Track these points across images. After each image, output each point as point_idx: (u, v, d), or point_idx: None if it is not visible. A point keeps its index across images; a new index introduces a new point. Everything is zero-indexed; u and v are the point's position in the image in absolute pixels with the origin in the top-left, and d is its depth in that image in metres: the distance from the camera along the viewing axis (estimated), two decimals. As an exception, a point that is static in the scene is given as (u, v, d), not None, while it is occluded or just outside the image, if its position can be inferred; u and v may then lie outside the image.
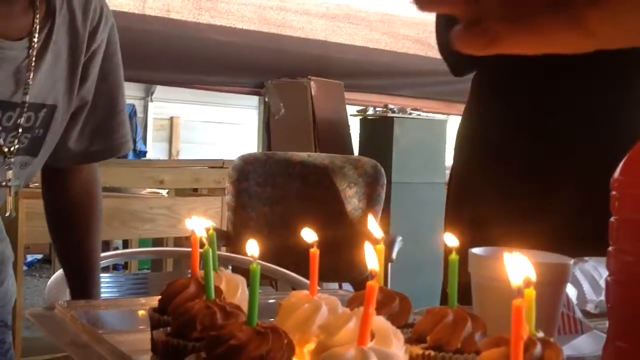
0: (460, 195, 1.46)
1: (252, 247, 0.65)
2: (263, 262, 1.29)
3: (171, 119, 8.67)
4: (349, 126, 4.24)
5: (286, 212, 2.79)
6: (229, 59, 4.02)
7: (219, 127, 8.81)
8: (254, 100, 7.13)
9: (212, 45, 3.88)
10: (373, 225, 0.70)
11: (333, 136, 3.95)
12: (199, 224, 0.80)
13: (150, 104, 8.50)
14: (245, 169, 2.73)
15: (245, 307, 0.60)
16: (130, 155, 7.78)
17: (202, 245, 0.76)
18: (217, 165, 3.70)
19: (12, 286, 1.29)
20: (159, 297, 0.77)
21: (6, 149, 1.06)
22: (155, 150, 8.45)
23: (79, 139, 1.17)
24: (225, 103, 8.27)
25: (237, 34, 3.74)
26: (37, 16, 1.06)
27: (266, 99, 4.08)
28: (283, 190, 2.81)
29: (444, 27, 1.36)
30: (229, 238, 2.67)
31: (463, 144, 1.48)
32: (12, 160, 1.07)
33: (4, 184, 1.07)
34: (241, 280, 0.80)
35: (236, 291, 0.78)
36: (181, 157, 8.45)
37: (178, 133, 8.69)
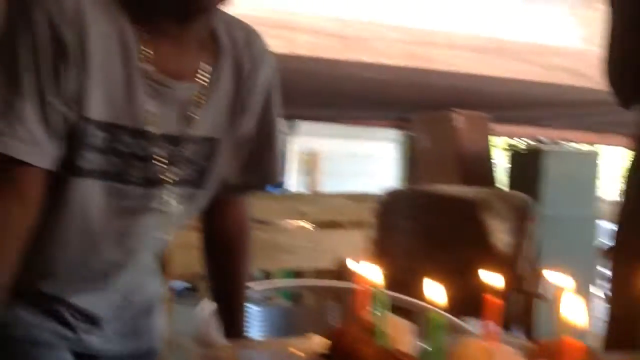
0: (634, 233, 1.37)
1: (434, 291, 0.63)
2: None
3: (313, 152, 8.82)
4: (494, 159, 4.15)
5: (432, 246, 2.75)
6: (373, 94, 4.04)
7: (358, 160, 8.86)
8: (393, 133, 7.13)
9: (358, 81, 3.91)
10: (555, 277, 0.67)
11: (478, 169, 3.87)
12: (365, 266, 0.79)
13: (293, 138, 8.69)
14: (391, 202, 2.73)
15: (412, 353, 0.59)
16: (271, 188, 7.97)
17: (366, 285, 0.75)
18: (360, 198, 3.70)
19: (161, 319, 1.32)
20: (323, 337, 0.77)
21: (172, 180, 1.11)
22: (297, 183, 8.62)
23: (238, 171, 1.21)
24: (365, 136, 8.32)
25: (383, 70, 3.75)
26: (206, 58, 1.11)
27: (410, 132, 4.06)
28: (429, 224, 2.78)
29: (620, 59, 1.30)
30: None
31: (635, 179, 1.39)
32: (178, 191, 1.12)
33: (168, 212, 1.12)
34: (408, 325, 0.78)
35: (403, 337, 0.76)
36: (322, 189, 8.55)
37: (319, 165, 8.82)
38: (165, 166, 1.09)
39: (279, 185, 8.07)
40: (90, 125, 1.01)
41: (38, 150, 0.99)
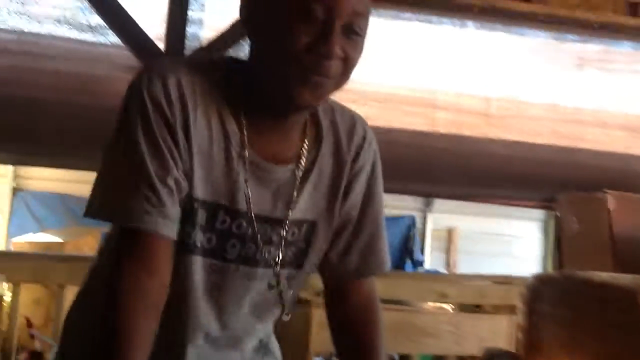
0: None
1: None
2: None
3: (449, 230, 8.68)
4: (652, 244, 3.88)
5: (583, 336, 2.58)
6: (517, 172, 3.93)
7: (497, 240, 8.62)
8: (536, 213, 6.91)
9: (501, 159, 3.83)
10: None
11: (634, 255, 3.63)
12: None
13: (429, 215, 8.61)
14: (540, 288, 2.59)
15: None
16: (409, 266, 7.86)
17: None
18: (503, 281, 3.57)
19: None
20: None
21: (273, 262, 1.14)
22: (432, 260, 8.47)
23: (347, 258, 1.22)
24: (505, 215, 8.10)
25: (527, 148, 3.66)
26: (306, 143, 1.14)
27: (558, 214, 3.89)
28: (581, 313, 2.61)
29: None
30: (519, 361, 2.53)
31: None
32: (280, 271, 1.15)
33: (275, 291, 1.15)
34: None
35: None
36: (459, 268, 8.35)
37: (456, 244, 8.64)
38: (263, 247, 1.13)
39: (418, 264, 7.97)
40: (195, 203, 1.07)
41: (169, 222, 1.04)
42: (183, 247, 1.09)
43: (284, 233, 1.14)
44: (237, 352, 1.21)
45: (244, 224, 1.11)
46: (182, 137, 1.05)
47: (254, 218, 1.11)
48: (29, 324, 4.72)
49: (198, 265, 1.10)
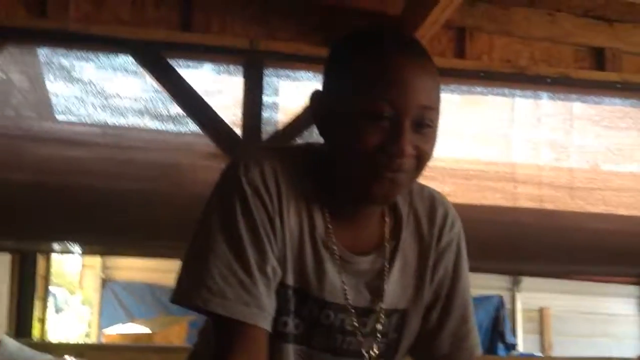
0: None
1: None
2: None
3: (541, 310, 8.36)
4: None
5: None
6: (605, 246, 3.78)
7: (593, 319, 8.24)
8: (634, 290, 6.59)
9: (588, 233, 3.69)
10: None
11: None
12: None
13: (517, 294, 8.34)
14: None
15: None
16: (501, 350, 7.57)
17: None
18: (605, 363, 3.39)
19: None
20: None
21: (367, 355, 1.12)
22: (525, 343, 8.14)
23: (437, 342, 1.19)
24: (598, 292, 7.77)
25: (614, 220, 3.52)
26: (387, 231, 1.14)
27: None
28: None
29: None
30: None
31: None
32: None
33: None
34: None
35: None
36: (555, 351, 8.00)
37: (550, 325, 8.30)
38: (353, 337, 1.11)
39: (510, 347, 7.68)
40: (287, 290, 1.07)
41: (267, 317, 1.04)
42: (277, 334, 1.08)
43: (373, 323, 1.13)
44: None
45: (331, 314, 1.10)
46: (278, 224, 1.05)
47: (340, 308, 1.10)
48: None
49: (290, 351, 1.10)
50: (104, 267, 7.48)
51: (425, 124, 1.02)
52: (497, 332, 7.68)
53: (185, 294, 1.04)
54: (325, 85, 1.10)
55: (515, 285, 8.27)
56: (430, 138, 1.04)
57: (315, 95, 1.11)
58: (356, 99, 1.01)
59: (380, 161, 1.00)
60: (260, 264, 1.03)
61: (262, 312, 1.03)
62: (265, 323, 1.03)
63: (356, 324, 1.11)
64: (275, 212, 1.04)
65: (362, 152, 1.00)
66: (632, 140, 3.46)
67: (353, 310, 1.10)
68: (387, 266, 1.12)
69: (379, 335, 1.13)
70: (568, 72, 3.26)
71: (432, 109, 1.02)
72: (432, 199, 1.19)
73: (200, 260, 1.03)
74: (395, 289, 1.13)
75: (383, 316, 1.13)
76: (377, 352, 1.13)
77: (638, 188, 3.56)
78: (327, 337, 1.11)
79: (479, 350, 1.22)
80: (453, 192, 3.22)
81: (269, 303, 1.04)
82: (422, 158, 1.03)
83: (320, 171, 1.09)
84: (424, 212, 1.17)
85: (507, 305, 8.19)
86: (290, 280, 1.07)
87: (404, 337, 1.16)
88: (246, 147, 2.93)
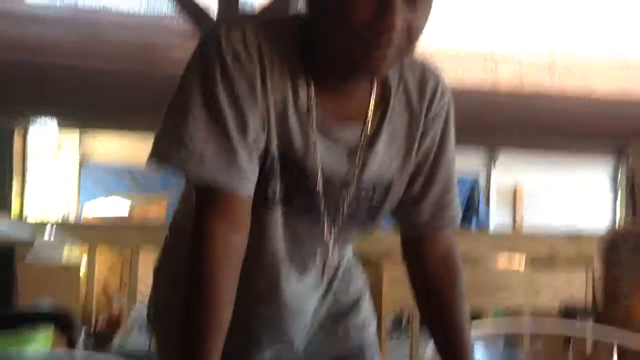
0: None
1: None
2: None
3: (515, 185, 8.53)
4: None
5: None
6: (584, 124, 3.83)
7: (564, 194, 8.44)
8: (605, 163, 6.71)
9: (566, 111, 3.73)
10: None
11: None
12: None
13: (493, 171, 8.48)
14: (616, 240, 2.54)
15: None
16: (473, 223, 7.78)
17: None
18: (574, 235, 3.50)
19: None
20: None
21: (341, 217, 1.13)
22: (498, 218, 8.36)
23: (419, 208, 1.18)
24: (572, 168, 7.91)
25: (594, 99, 3.55)
26: (373, 99, 1.09)
27: (629, 162, 3.78)
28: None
29: None
30: (597, 313, 2.50)
31: None
32: (347, 224, 1.14)
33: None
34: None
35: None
36: (526, 225, 8.22)
37: (522, 200, 8.50)
38: (333, 200, 1.11)
39: (484, 222, 7.88)
40: (272, 157, 1.05)
41: (248, 183, 1.02)
42: (264, 201, 1.07)
43: (355, 191, 1.12)
44: (320, 285, 1.21)
45: (312, 179, 1.09)
46: (259, 90, 1.02)
47: (323, 176, 1.09)
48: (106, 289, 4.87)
49: (278, 215, 1.10)
50: (82, 149, 7.43)
51: None
52: (472, 208, 7.87)
53: (162, 153, 1.02)
54: None
55: (491, 162, 8.40)
56: (423, 14, 0.99)
57: None
58: None
59: (368, 38, 0.97)
60: (240, 129, 1.01)
61: (242, 178, 1.01)
62: (245, 190, 1.02)
63: (339, 192, 1.11)
64: (257, 77, 1.01)
65: (350, 26, 0.96)
66: (613, 24, 3.43)
67: (335, 178, 1.10)
68: (373, 136, 1.11)
69: (363, 203, 1.13)
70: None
71: None
72: (423, 70, 1.14)
73: (180, 123, 1.00)
74: (381, 158, 1.12)
75: (365, 184, 1.12)
76: (354, 215, 1.14)
77: (617, 69, 3.58)
78: (307, 202, 1.11)
79: (458, 220, 1.23)
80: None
81: (250, 168, 1.02)
82: (413, 33, 0.99)
83: (306, 42, 1.06)
84: (414, 84, 1.13)
85: (483, 183, 8.34)
86: (274, 147, 1.05)
87: (387, 202, 1.16)
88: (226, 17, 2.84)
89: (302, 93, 1.05)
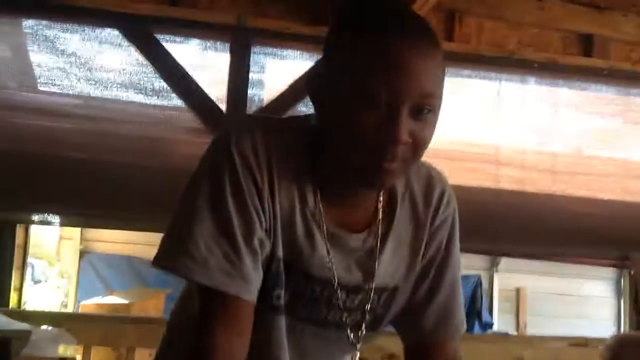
0: None
1: None
2: None
3: (517, 290, 8.44)
4: None
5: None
6: (585, 230, 3.81)
7: (568, 300, 8.34)
8: (610, 272, 6.67)
9: (568, 216, 3.72)
10: None
11: None
12: None
13: (495, 274, 8.41)
14: (620, 350, 2.49)
15: None
16: (476, 327, 7.65)
17: None
18: (580, 343, 3.45)
19: None
20: None
21: (347, 324, 1.13)
22: (501, 322, 8.22)
23: (424, 317, 1.18)
24: (575, 274, 7.85)
25: (596, 204, 3.55)
26: (380, 210, 1.11)
27: (632, 272, 3.75)
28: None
29: None
30: None
31: None
32: (353, 333, 1.14)
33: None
34: None
35: None
36: (529, 330, 8.09)
37: (525, 305, 8.39)
38: (338, 311, 1.11)
39: (487, 326, 7.75)
40: (279, 263, 1.06)
41: (252, 288, 1.03)
42: (268, 306, 1.08)
43: (362, 300, 1.12)
44: None
45: (317, 288, 1.09)
46: (267, 197, 1.03)
47: (329, 284, 1.09)
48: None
49: (283, 323, 1.10)
50: (83, 239, 7.43)
51: (424, 110, 0.97)
52: (475, 311, 7.76)
53: (168, 259, 1.03)
54: (323, 65, 1.05)
55: (493, 266, 8.34)
56: (429, 124, 0.99)
57: (313, 77, 1.06)
58: (353, 82, 0.96)
59: (374, 149, 0.97)
60: (246, 236, 1.01)
61: (246, 283, 1.01)
62: (249, 295, 1.02)
63: (343, 300, 1.11)
64: (265, 184, 1.03)
65: (356, 137, 0.97)
66: (615, 126, 3.48)
67: (341, 287, 1.10)
68: (380, 245, 1.11)
69: (366, 311, 1.13)
70: (556, 58, 3.27)
71: (432, 95, 0.97)
72: (430, 178, 1.16)
73: (185, 228, 1.01)
74: (387, 268, 1.12)
75: (373, 294, 1.12)
76: (364, 327, 1.13)
77: (619, 173, 3.59)
78: (311, 309, 1.10)
79: (463, 328, 1.22)
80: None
81: (255, 275, 1.03)
82: (419, 145, 0.99)
83: (315, 148, 1.07)
84: (420, 192, 1.15)
85: (485, 286, 8.26)
86: (280, 252, 1.06)
87: (391, 311, 1.16)
88: (239, 116, 2.90)
89: (310, 200, 1.07)
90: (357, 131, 0.97)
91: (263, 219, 1.03)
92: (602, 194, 3.53)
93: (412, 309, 1.18)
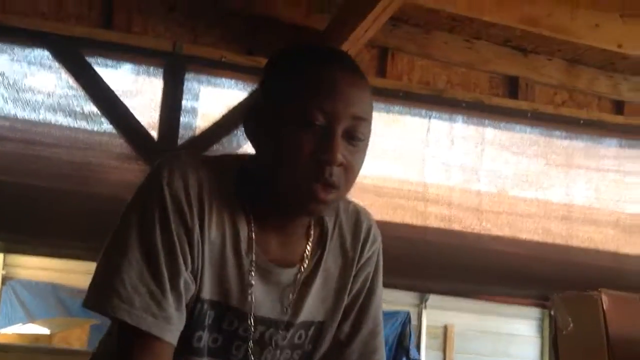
0: None
1: None
2: None
3: (445, 327, 8.54)
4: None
5: None
6: (508, 269, 3.89)
7: (494, 338, 8.47)
8: (534, 312, 6.81)
9: (493, 255, 3.80)
10: None
11: (631, 356, 3.55)
12: None
13: (424, 311, 8.49)
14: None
15: None
16: (405, 364, 7.69)
17: None
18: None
19: None
20: None
21: None
22: (428, 359, 8.28)
23: (348, 355, 1.19)
24: (501, 313, 7.99)
25: (519, 244, 3.64)
26: (309, 244, 1.14)
27: (552, 313, 3.83)
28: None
29: None
30: None
31: None
32: None
33: None
34: None
35: None
36: (455, 367, 8.17)
37: (452, 342, 8.48)
38: (271, 349, 1.12)
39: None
40: (204, 304, 1.06)
41: (173, 330, 1.03)
42: (188, 348, 1.07)
43: (290, 335, 1.13)
44: None
45: (250, 327, 1.10)
46: (197, 237, 1.04)
47: (259, 320, 1.10)
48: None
49: None
50: (5, 265, 7.20)
51: (356, 136, 1.04)
52: (402, 347, 7.79)
53: (96, 299, 1.02)
54: (259, 94, 1.10)
55: (422, 302, 8.42)
56: (361, 152, 1.06)
57: (249, 107, 1.11)
58: (291, 104, 1.02)
59: (311, 168, 1.01)
60: (172, 277, 1.01)
61: (169, 324, 1.01)
62: (171, 336, 1.02)
63: (274, 337, 1.12)
64: (195, 225, 1.03)
65: (293, 157, 1.01)
66: (539, 167, 3.59)
67: (270, 323, 1.11)
68: (307, 279, 1.13)
69: (294, 347, 1.14)
70: (482, 98, 3.36)
71: (364, 120, 1.04)
72: (357, 214, 1.21)
73: (113, 266, 1.02)
74: (315, 302, 1.14)
75: (300, 329, 1.13)
76: (291, 357, 1.14)
77: (542, 214, 3.69)
78: (245, 350, 1.10)
79: None
80: (365, 207, 3.25)
81: (178, 316, 1.03)
82: (350, 170, 1.04)
83: (249, 181, 1.09)
84: (348, 227, 1.18)
85: (414, 322, 8.32)
86: (207, 294, 1.06)
87: (320, 348, 1.17)
88: (174, 152, 2.88)
89: (243, 235, 1.08)
90: (294, 151, 1.01)
91: (189, 261, 1.03)
92: (524, 234, 3.62)
93: (335, 345, 1.19)
